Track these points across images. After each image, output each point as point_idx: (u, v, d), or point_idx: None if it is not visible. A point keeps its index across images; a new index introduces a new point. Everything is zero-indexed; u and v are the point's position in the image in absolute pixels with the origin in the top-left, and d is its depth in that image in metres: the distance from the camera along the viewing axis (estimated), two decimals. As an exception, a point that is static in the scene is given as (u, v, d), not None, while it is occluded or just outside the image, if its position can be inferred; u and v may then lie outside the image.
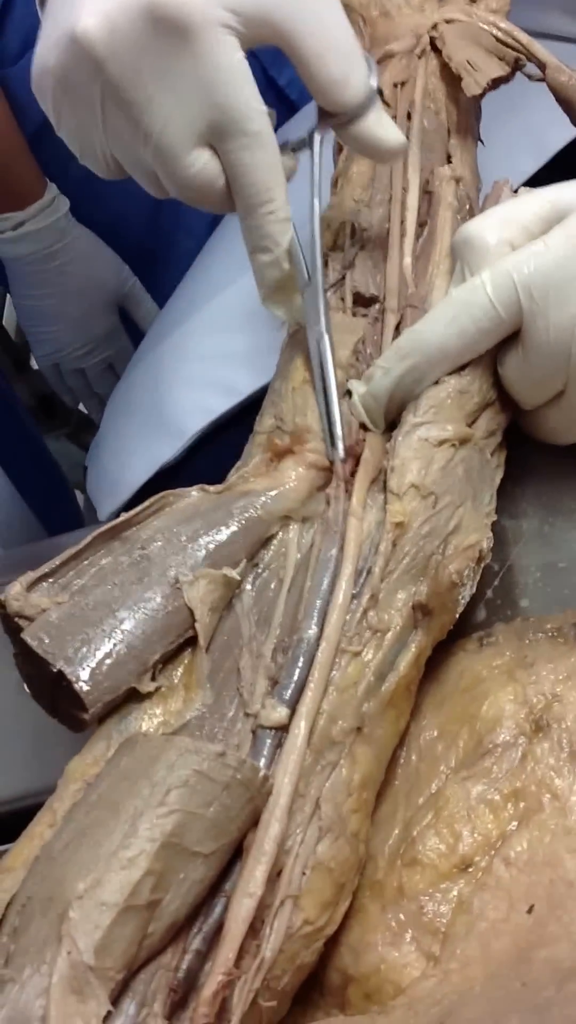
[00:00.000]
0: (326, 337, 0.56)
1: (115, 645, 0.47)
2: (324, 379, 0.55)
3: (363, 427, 0.55)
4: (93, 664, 0.46)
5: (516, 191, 0.59)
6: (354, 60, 0.54)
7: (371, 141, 0.57)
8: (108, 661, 0.46)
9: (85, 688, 0.46)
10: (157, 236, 1.19)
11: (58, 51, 0.52)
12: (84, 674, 0.46)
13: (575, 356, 0.51)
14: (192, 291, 0.95)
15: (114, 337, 1.21)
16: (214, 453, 0.82)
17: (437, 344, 0.53)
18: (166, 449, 0.86)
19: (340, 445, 0.53)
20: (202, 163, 0.53)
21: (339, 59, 0.53)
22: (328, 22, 0.53)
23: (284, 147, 0.55)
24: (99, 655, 0.46)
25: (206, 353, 0.87)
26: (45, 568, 0.49)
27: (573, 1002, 0.37)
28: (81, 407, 1.34)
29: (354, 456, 0.53)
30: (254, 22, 0.51)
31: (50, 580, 0.49)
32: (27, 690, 0.50)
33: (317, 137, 0.57)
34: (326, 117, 0.56)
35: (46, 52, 0.53)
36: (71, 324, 1.17)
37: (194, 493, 0.52)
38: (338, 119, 0.56)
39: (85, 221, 1.13)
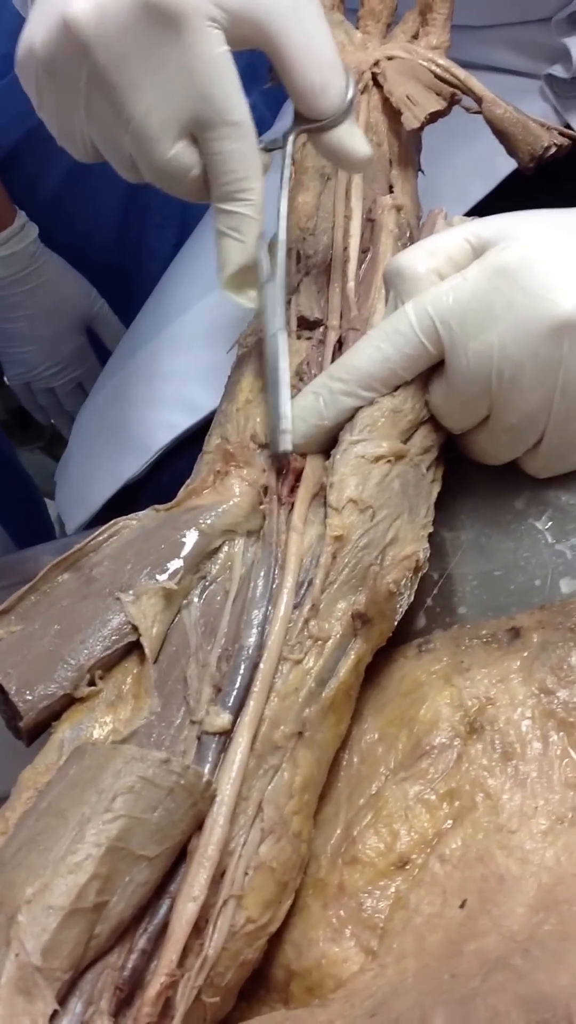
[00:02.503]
0: (283, 335, 0.57)
1: (49, 654, 0.49)
2: (277, 375, 0.56)
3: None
4: (26, 673, 0.48)
5: (450, 220, 0.61)
6: (335, 70, 0.56)
7: (342, 150, 0.59)
8: (41, 670, 0.49)
9: (17, 699, 0.48)
10: (123, 259, 1.22)
11: (45, 33, 0.53)
12: (17, 683, 0.48)
13: (495, 384, 0.53)
14: (156, 312, 0.97)
15: (83, 357, 1.23)
16: (178, 468, 0.84)
17: (367, 371, 0.54)
18: (131, 464, 0.88)
19: (288, 438, 0.55)
20: (179, 150, 0.55)
21: (320, 68, 0.55)
22: (313, 31, 0.55)
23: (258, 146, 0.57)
24: (32, 665, 0.49)
25: (170, 372, 0.90)
26: (4, 605, 0.51)
27: (496, 992, 0.38)
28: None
29: (295, 474, 0.55)
30: (242, 22, 0.53)
31: (10, 615, 0.51)
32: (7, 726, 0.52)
33: (290, 139, 0.59)
34: (301, 121, 0.58)
35: (33, 33, 0.54)
36: (41, 345, 1.19)
37: (144, 514, 0.54)
38: (313, 125, 0.58)
39: (53, 245, 1.15)
